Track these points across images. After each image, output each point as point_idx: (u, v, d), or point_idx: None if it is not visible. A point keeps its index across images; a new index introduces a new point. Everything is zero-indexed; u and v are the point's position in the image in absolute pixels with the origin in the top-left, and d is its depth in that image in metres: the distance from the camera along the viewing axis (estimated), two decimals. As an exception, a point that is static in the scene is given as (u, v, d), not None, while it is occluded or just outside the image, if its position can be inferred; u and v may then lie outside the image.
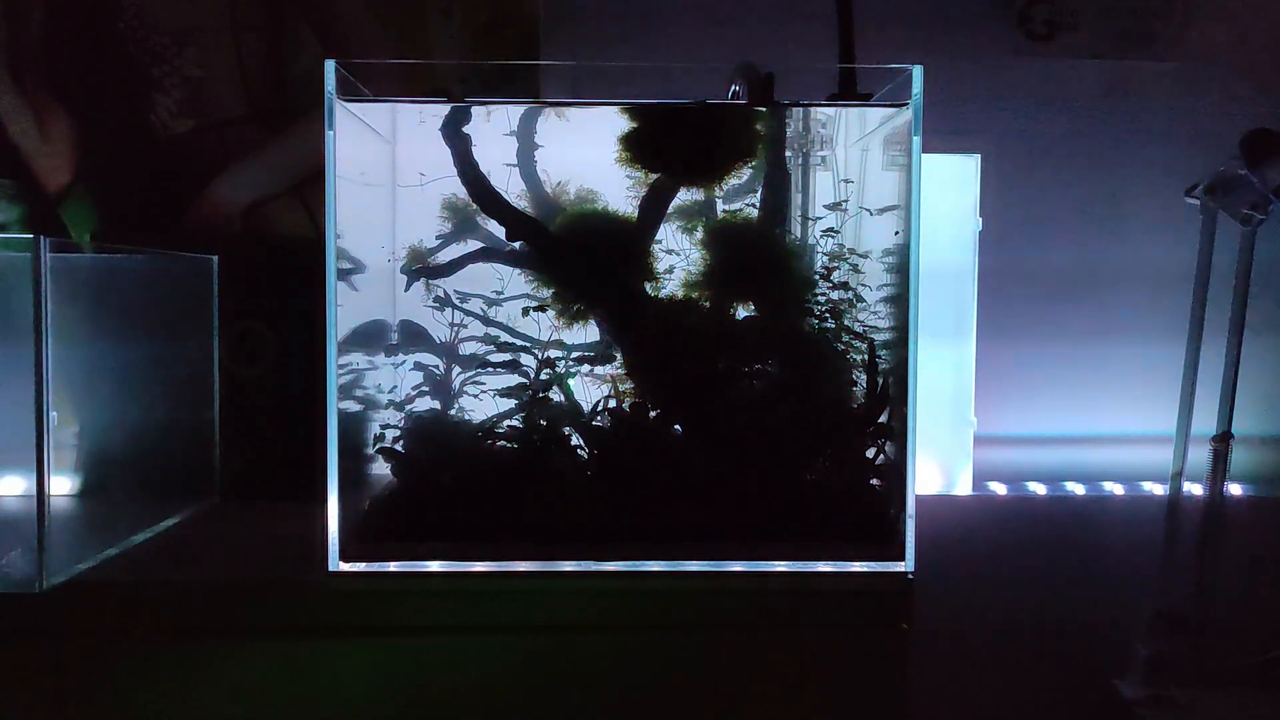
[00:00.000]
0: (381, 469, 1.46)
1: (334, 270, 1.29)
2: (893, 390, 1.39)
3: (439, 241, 1.49)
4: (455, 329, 1.49)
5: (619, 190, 1.44)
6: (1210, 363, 1.77)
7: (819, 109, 1.47)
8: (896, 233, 1.37)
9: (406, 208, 1.50)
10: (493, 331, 1.47)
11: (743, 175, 1.46)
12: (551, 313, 1.45)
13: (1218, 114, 2.03)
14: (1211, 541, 1.73)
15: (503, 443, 1.44)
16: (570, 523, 1.36)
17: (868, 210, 1.45)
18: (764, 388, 1.44)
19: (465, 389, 1.49)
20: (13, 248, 1.61)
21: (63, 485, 1.70)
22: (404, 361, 1.50)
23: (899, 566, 1.32)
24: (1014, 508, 1.99)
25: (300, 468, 1.67)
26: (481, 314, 1.48)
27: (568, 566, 1.32)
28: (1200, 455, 1.78)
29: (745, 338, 1.45)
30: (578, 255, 1.45)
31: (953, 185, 1.97)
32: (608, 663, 1.30)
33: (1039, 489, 2.02)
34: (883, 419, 1.41)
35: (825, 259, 1.47)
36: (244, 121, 1.86)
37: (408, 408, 1.48)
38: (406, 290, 1.49)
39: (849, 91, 1.49)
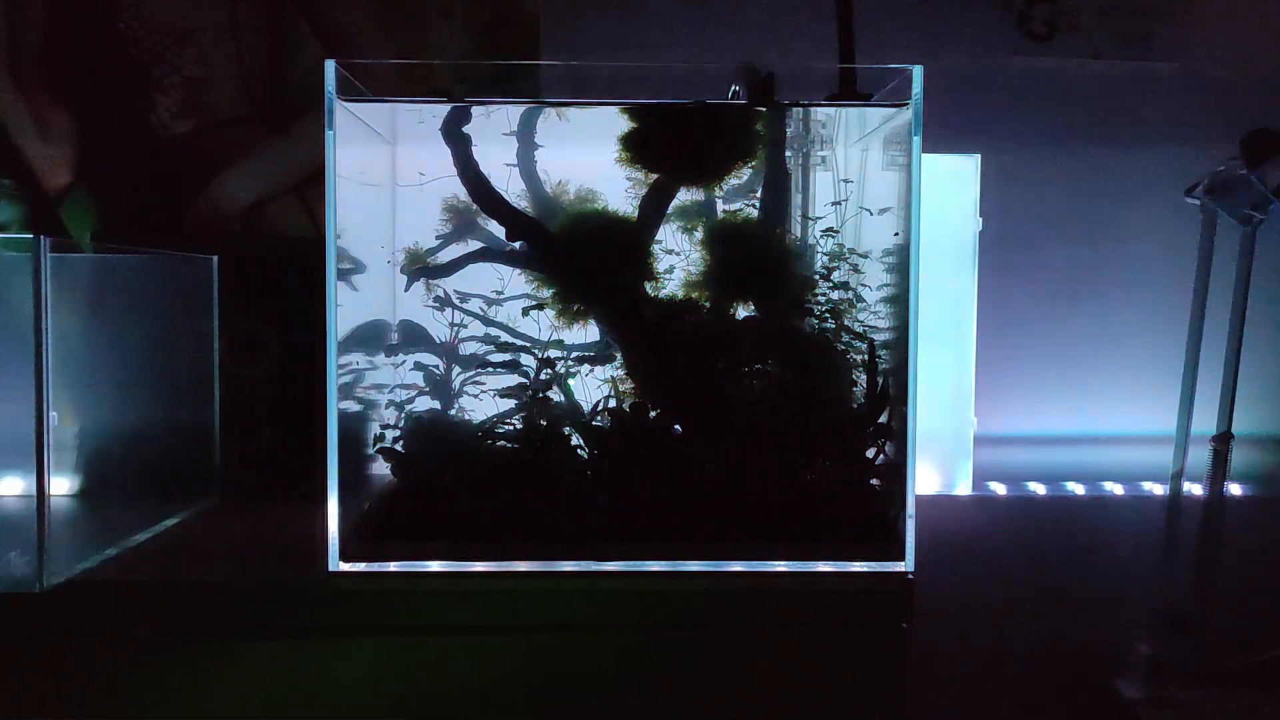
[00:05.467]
0: (382, 469, 1.46)
1: (334, 270, 1.29)
2: (893, 390, 1.39)
3: (439, 241, 1.49)
4: (455, 329, 1.49)
5: (619, 190, 1.44)
6: (1210, 363, 1.77)
7: (819, 109, 1.47)
8: (896, 234, 1.37)
9: (406, 208, 1.50)
10: (493, 331, 1.47)
11: (743, 175, 1.46)
12: (551, 313, 1.45)
13: (1218, 114, 2.03)
14: (1211, 541, 1.73)
15: (503, 443, 1.45)
16: (570, 523, 1.36)
17: (868, 210, 1.46)
18: (764, 388, 1.44)
19: (465, 389, 1.49)
20: (13, 248, 1.61)
21: (63, 485, 1.70)
22: (404, 361, 1.50)
23: (899, 566, 1.32)
24: (1014, 508, 1.99)
25: (300, 468, 1.67)
26: (481, 314, 1.48)
27: (568, 566, 1.32)
28: (1200, 455, 1.78)
29: (745, 338, 1.45)
30: (578, 255, 1.45)
31: (953, 185, 1.97)
32: (608, 663, 1.30)
33: (1039, 489, 2.02)
34: (883, 419, 1.41)
35: (825, 259, 1.47)
36: (244, 121, 1.86)
37: (407, 408, 1.48)
38: (406, 290, 1.49)
39: (849, 91, 1.49)
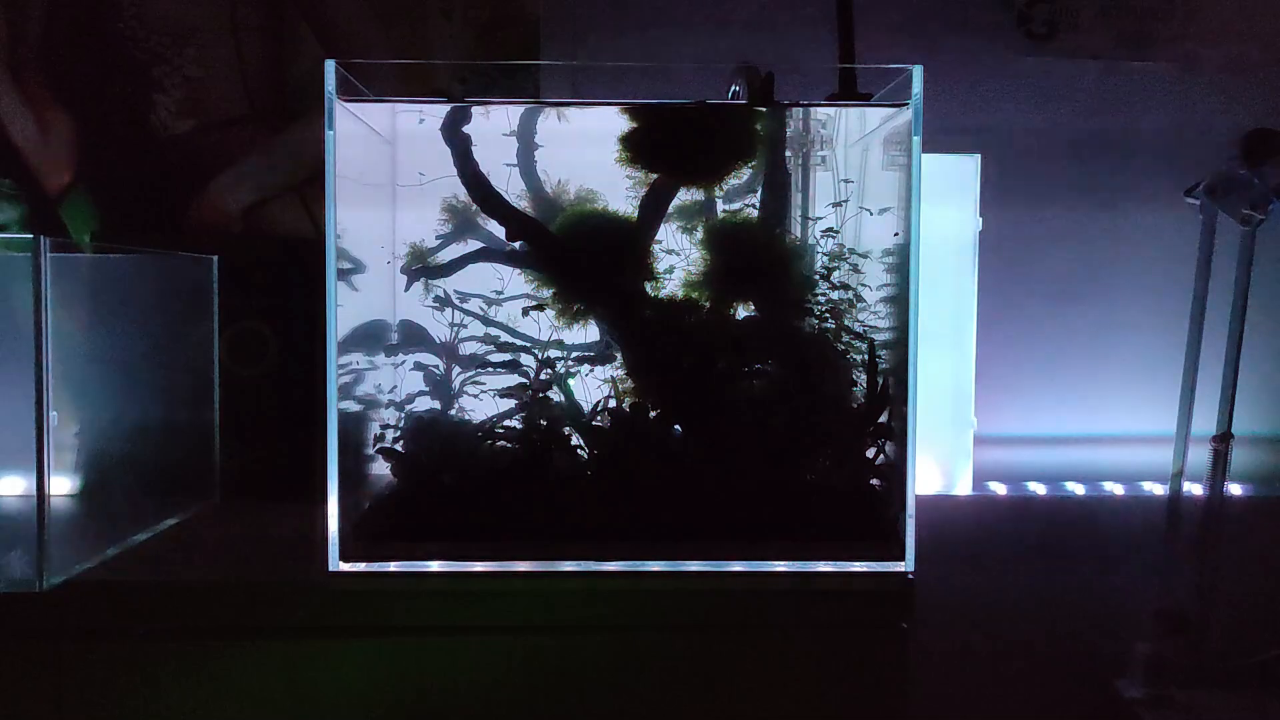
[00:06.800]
0: (382, 469, 1.46)
1: (334, 270, 1.29)
2: (893, 390, 1.39)
3: (439, 241, 1.49)
4: (455, 329, 1.49)
5: (619, 190, 1.44)
6: (1210, 362, 1.77)
7: (819, 109, 1.47)
8: (896, 234, 1.37)
9: (406, 208, 1.50)
10: (493, 331, 1.47)
11: (743, 175, 1.46)
12: (551, 313, 1.45)
13: (1218, 114, 2.03)
14: (1211, 541, 1.73)
15: (503, 443, 1.44)
16: (570, 523, 1.36)
17: (868, 210, 1.46)
18: (764, 388, 1.44)
19: (465, 389, 1.49)
20: (13, 248, 1.61)
21: (63, 485, 1.70)
22: (404, 361, 1.50)
23: (899, 566, 1.32)
24: (1014, 508, 1.99)
25: (300, 468, 1.67)
26: (481, 314, 1.48)
27: (568, 566, 1.32)
28: (1200, 455, 1.77)
29: (745, 338, 1.45)
30: (578, 255, 1.45)
31: (953, 185, 1.97)
32: (608, 663, 1.30)
33: (1039, 489, 2.02)
34: (883, 419, 1.41)
35: (825, 259, 1.47)
36: (244, 121, 1.86)
37: (407, 408, 1.48)
38: (406, 290, 1.49)
39: (849, 91, 1.49)
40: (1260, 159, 1.67)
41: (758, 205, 1.46)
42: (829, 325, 1.46)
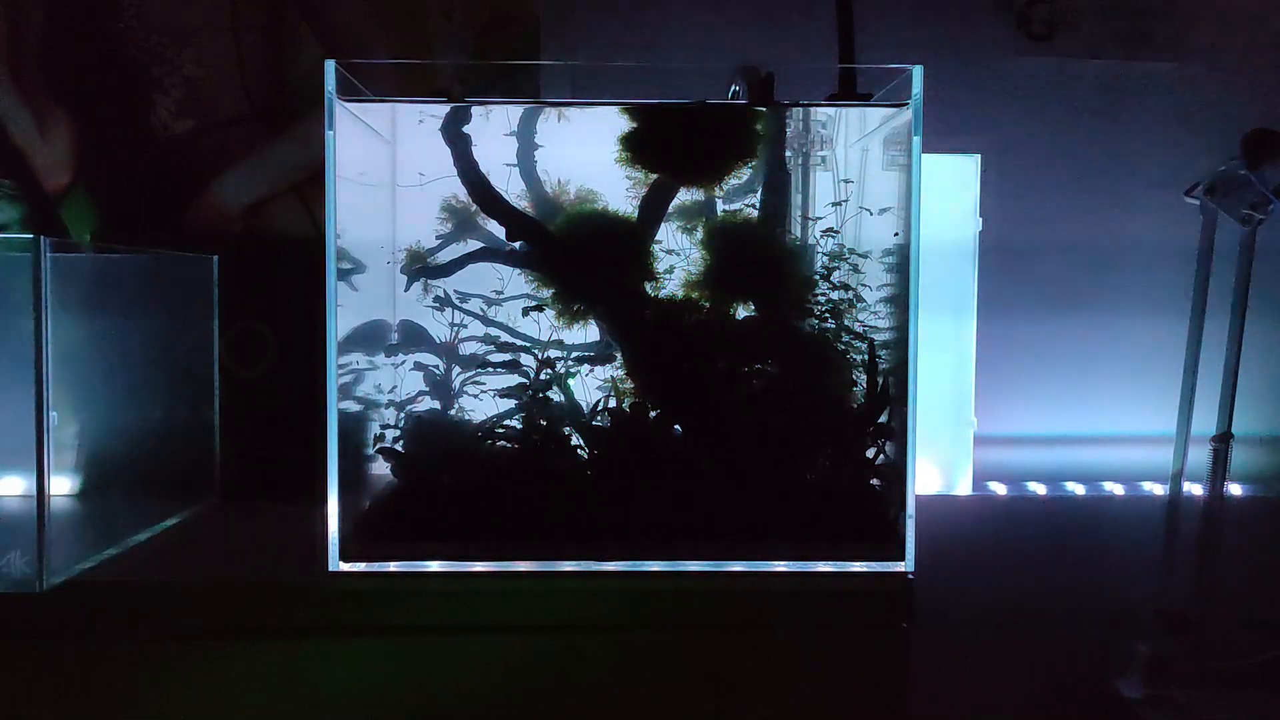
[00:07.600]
0: (382, 469, 1.46)
1: (334, 270, 1.29)
2: (893, 390, 1.39)
3: (439, 241, 1.49)
4: (455, 329, 1.49)
5: (618, 190, 1.44)
6: (1210, 363, 1.77)
7: (819, 109, 1.47)
8: (896, 234, 1.37)
9: (406, 208, 1.50)
10: (493, 331, 1.47)
11: (743, 175, 1.46)
12: (551, 313, 1.45)
13: (1218, 114, 2.03)
14: (1211, 541, 1.73)
15: (503, 443, 1.44)
16: (570, 523, 1.36)
17: (868, 210, 1.46)
18: (764, 388, 1.44)
19: (465, 389, 1.49)
20: (13, 248, 1.61)
21: (63, 485, 1.70)
22: (404, 361, 1.50)
23: (899, 566, 1.32)
24: (1014, 508, 1.99)
25: (300, 468, 1.67)
26: (481, 314, 1.48)
27: (568, 566, 1.32)
28: (1200, 455, 1.77)
29: (745, 338, 1.45)
30: (578, 255, 1.45)
31: (953, 185, 1.97)
32: (608, 663, 1.30)
33: (1039, 489, 2.02)
34: (883, 419, 1.41)
35: (825, 259, 1.47)
36: (244, 121, 1.86)
37: (408, 408, 1.48)
38: (406, 290, 1.49)
39: (849, 91, 1.49)
40: (1260, 159, 1.67)
41: (758, 205, 1.46)
42: (829, 325, 1.46)
